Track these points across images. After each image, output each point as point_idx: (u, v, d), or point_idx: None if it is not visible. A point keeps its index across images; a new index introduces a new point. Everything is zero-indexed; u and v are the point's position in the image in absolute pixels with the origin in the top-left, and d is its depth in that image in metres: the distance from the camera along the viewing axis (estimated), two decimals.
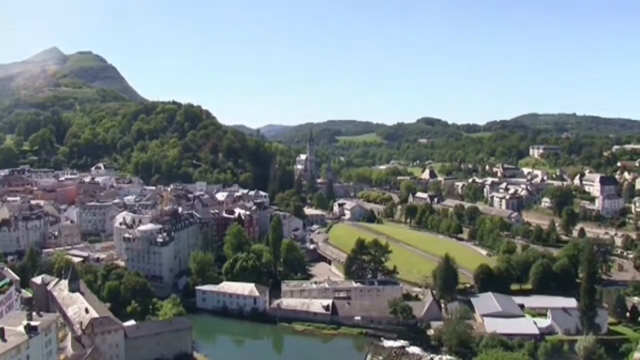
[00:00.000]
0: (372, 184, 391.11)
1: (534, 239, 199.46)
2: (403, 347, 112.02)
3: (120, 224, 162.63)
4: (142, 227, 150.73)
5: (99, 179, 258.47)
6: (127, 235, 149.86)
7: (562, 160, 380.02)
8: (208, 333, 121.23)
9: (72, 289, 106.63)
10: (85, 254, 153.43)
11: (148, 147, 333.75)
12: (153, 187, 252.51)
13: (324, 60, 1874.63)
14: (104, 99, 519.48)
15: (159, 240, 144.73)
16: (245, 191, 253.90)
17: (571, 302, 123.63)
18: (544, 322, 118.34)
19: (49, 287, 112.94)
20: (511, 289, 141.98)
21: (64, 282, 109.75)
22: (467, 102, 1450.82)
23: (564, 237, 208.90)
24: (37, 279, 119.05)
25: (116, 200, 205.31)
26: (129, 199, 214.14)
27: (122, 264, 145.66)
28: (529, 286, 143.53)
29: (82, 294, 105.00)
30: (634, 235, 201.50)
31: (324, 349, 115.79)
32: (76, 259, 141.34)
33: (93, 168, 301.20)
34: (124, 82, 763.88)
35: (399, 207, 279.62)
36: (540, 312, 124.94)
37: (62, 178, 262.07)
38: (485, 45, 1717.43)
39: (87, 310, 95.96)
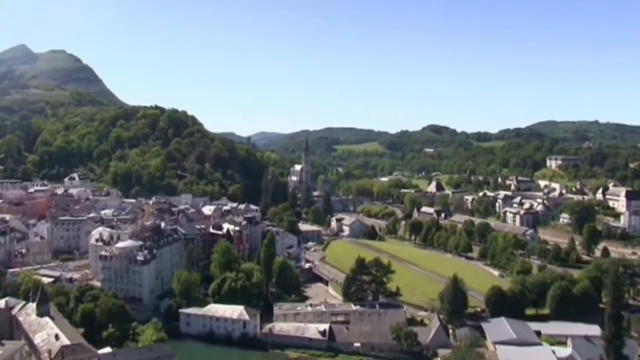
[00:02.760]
0: (374, 198, 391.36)
1: (551, 259, 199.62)
2: None
3: (96, 240, 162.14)
4: (120, 244, 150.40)
5: (72, 191, 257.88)
6: (103, 252, 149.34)
7: (582, 172, 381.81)
8: None
9: (41, 313, 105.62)
10: (56, 273, 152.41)
11: (128, 156, 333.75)
12: (133, 200, 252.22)
13: (320, 62, 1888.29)
14: (78, 103, 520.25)
15: (139, 258, 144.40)
16: (235, 205, 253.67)
17: (594, 330, 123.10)
18: (564, 352, 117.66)
19: (14, 312, 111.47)
20: (526, 314, 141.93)
21: (32, 306, 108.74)
22: (478, 108, 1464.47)
23: (585, 257, 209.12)
24: (1, 303, 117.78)
25: (92, 215, 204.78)
26: (106, 213, 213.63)
27: (97, 284, 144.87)
28: (546, 311, 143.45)
29: (52, 318, 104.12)
30: None
31: None
32: (46, 280, 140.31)
33: (66, 179, 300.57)
34: (102, 85, 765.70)
35: (403, 222, 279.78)
36: (559, 341, 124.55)
37: (31, 190, 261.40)
38: (497, 46, 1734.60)
39: (57, 337, 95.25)
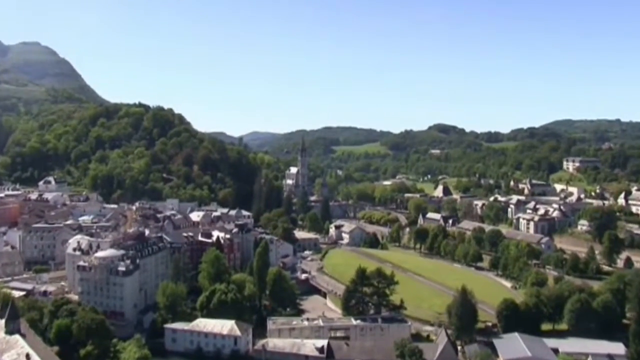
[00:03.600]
0: (375, 203, 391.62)
1: (569, 269, 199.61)
2: None
3: (74, 249, 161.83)
4: (100, 254, 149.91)
5: (48, 196, 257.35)
6: (81, 263, 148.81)
7: (602, 175, 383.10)
8: None
9: (10, 330, 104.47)
10: (29, 286, 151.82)
11: (109, 158, 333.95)
12: (114, 206, 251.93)
13: (318, 57, 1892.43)
14: (55, 100, 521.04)
15: (121, 269, 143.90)
16: (225, 210, 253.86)
17: (618, 348, 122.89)
18: None
19: None
20: (542, 330, 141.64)
21: (0, 322, 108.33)
22: (488, 105, 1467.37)
23: (606, 268, 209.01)
24: None
25: (69, 222, 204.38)
26: (85, 219, 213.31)
27: (75, 298, 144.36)
28: (564, 326, 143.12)
29: (23, 336, 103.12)
30: None
31: None
32: (17, 293, 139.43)
33: (41, 182, 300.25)
34: (80, 80, 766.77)
35: (407, 230, 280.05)
36: (578, 359, 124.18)
37: (1, 195, 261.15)
38: (509, 38, 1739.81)
39: (28, 357, 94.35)
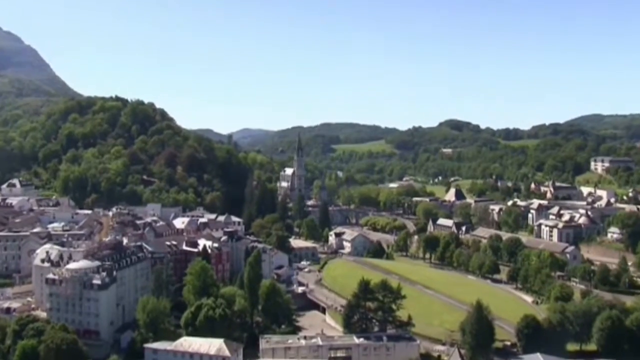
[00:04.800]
0: (380, 208, 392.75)
1: (597, 283, 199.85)
2: None
3: (42, 260, 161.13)
4: (72, 265, 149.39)
5: (12, 201, 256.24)
6: (51, 276, 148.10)
7: (636, 176, 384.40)
8: None
9: None
10: None
11: (82, 158, 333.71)
12: (88, 211, 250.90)
13: (316, 45, 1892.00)
14: (20, 93, 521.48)
15: (96, 282, 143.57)
16: (213, 216, 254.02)
17: None
18: None
19: None
20: (568, 350, 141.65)
21: None
22: (506, 99, 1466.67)
23: None
24: None
25: (37, 229, 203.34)
26: (55, 227, 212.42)
27: (43, 315, 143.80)
28: (592, 347, 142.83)
29: None
30: None
31: None
32: None
33: (4, 186, 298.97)
34: (49, 71, 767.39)
35: (415, 237, 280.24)
36: None
37: None
38: (529, 25, 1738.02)
39: None
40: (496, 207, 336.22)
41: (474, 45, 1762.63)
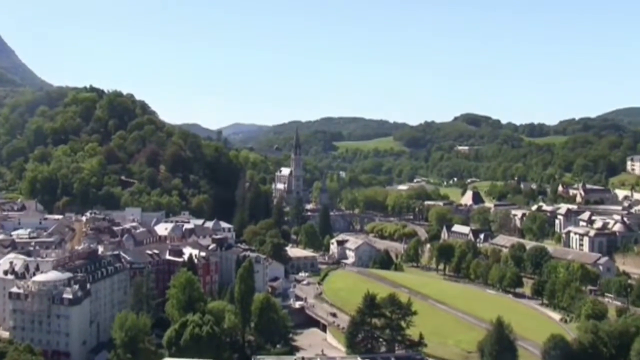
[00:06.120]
0: (388, 212, 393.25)
1: (635, 298, 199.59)
2: None
3: (5, 272, 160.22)
4: (39, 277, 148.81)
5: None
6: (15, 289, 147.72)
7: None
8: None
9: None
10: None
11: (52, 156, 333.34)
12: (59, 216, 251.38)
13: (315, 31, 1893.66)
14: None
15: (67, 296, 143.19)
16: (200, 222, 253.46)
17: None
18: None
19: None
20: None
21: None
22: (530, 91, 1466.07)
23: None
24: None
25: (0, 237, 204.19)
26: (21, 233, 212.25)
27: (5, 334, 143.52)
28: None
29: None
30: None
31: None
32: None
33: None
34: (14, 58, 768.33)
35: (428, 246, 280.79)
36: None
37: None
38: (554, 6, 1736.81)
39: None
40: (519, 213, 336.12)
41: (492, 28, 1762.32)
